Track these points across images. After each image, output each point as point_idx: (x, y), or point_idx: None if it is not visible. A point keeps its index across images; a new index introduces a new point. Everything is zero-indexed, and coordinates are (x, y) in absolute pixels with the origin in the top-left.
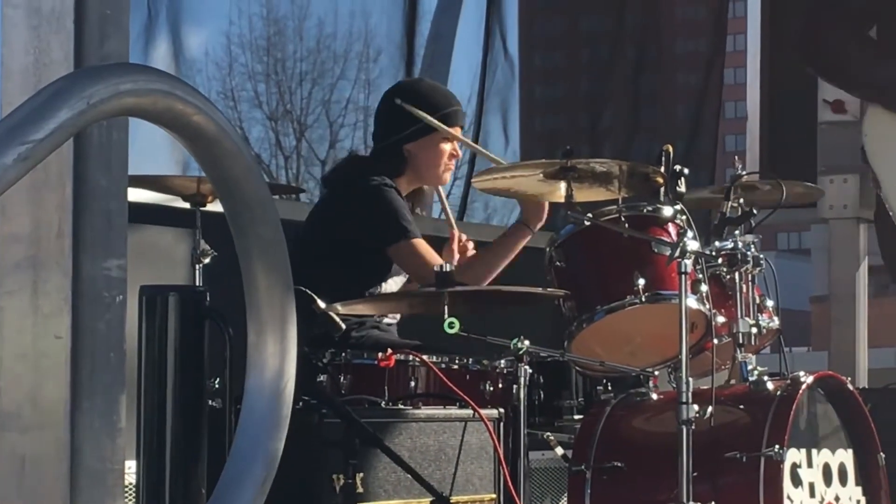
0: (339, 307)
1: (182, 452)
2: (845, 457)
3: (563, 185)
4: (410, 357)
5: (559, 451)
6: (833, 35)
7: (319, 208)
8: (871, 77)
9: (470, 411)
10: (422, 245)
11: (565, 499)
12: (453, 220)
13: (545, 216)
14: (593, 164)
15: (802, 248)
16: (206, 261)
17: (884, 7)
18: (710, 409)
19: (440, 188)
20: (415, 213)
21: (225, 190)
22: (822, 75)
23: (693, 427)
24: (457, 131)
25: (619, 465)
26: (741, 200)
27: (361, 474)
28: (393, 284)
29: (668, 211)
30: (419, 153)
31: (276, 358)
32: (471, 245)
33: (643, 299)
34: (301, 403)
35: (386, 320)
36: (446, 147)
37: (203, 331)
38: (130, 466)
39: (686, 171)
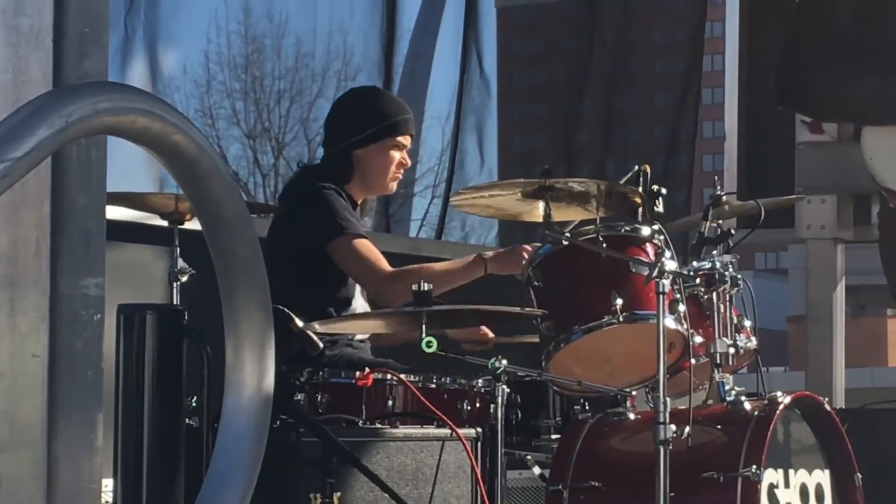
0: (317, 326)
1: (159, 471)
2: (822, 477)
3: (541, 204)
4: (388, 376)
5: (536, 470)
6: (811, 67)
7: (275, 222)
8: (852, 98)
9: (447, 430)
10: (363, 244)
11: None
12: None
13: (513, 267)
14: (571, 184)
15: (780, 268)
16: (184, 279)
17: (863, 23)
18: (687, 429)
19: None
20: (363, 224)
21: (203, 208)
22: (802, 111)
23: (670, 447)
24: (406, 139)
25: (597, 484)
26: (719, 220)
27: (339, 493)
28: (362, 299)
29: (645, 231)
30: (369, 159)
31: (254, 377)
32: (490, 335)
33: (621, 319)
34: (278, 422)
35: (358, 337)
36: (395, 155)
37: (181, 349)
38: (107, 485)
39: (664, 190)
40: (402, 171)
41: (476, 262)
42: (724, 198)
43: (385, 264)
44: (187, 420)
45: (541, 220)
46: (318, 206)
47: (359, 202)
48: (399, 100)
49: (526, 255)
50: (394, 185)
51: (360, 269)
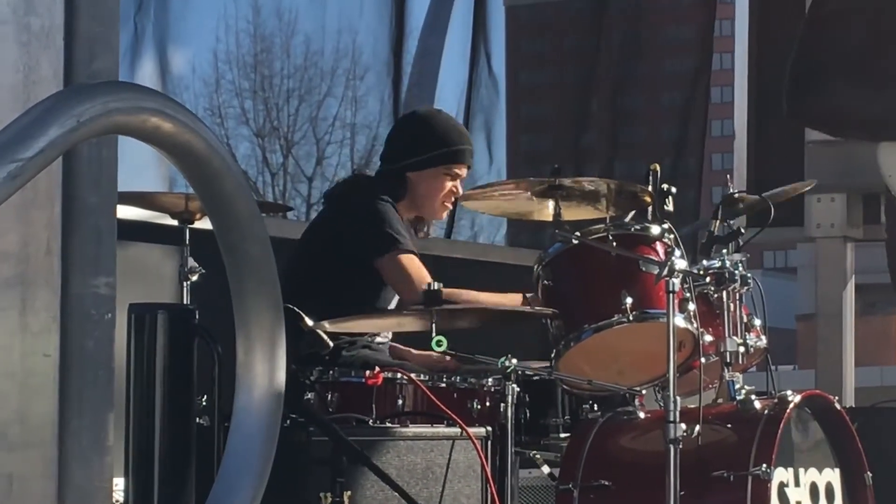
0: (327, 325)
1: (170, 470)
2: (832, 476)
3: (550, 203)
4: (398, 375)
5: (546, 469)
6: (825, 83)
7: (317, 224)
8: (870, 114)
9: (457, 429)
10: (411, 260)
11: None
12: None
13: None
14: (581, 183)
15: (788, 267)
16: (194, 278)
17: (878, 39)
18: (697, 428)
19: None
20: (418, 236)
21: (214, 207)
22: (816, 127)
23: (680, 446)
24: (461, 170)
25: (607, 483)
26: (729, 220)
27: (349, 492)
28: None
29: (655, 230)
30: (420, 183)
31: (265, 376)
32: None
33: (631, 318)
34: (288, 421)
35: (378, 339)
36: (448, 183)
37: (192, 349)
38: (118, 484)
39: (674, 189)
40: (451, 199)
41: (524, 304)
42: (737, 195)
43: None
44: (197, 419)
45: (550, 219)
46: (371, 218)
47: (403, 217)
48: (461, 128)
49: None
50: (443, 214)
51: (406, 285)
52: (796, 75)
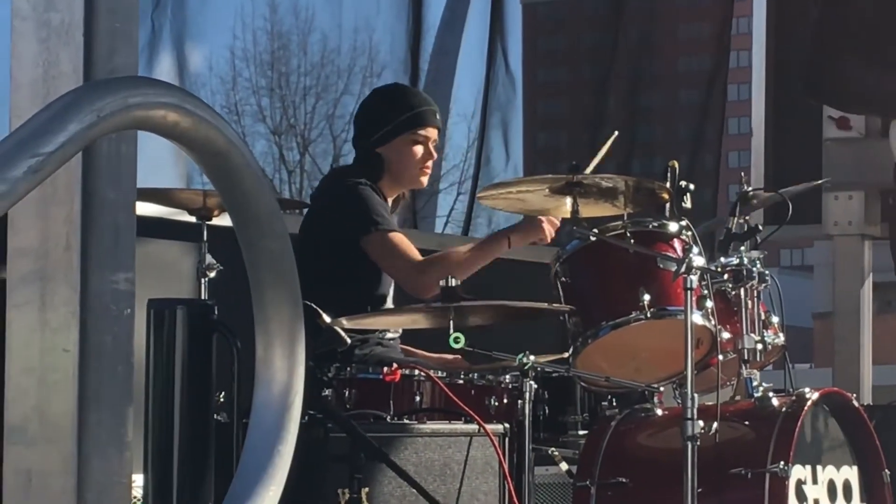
0: (345, 321)
1: (189, 466)
2: (850, 473)
3: (568, 200)
4: (416, 372)
5: (564, 466)
6: (839, 61)
7: (306, 223)
8: (882, 91)
9: (475, 426)
10: (397, 237)
11: None
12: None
13: (539, 236)
14: (599, 180)
15: (805, 265)
16: (212, 275)
17: (888, 17)
18: (715, 425)
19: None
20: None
21: (234, 203)
22: (831, 104)
23: (698, 443)
24: (428, 131)
25: (624, 480)
26: (747, 217)
27: (367, 489)
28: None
29: (673, 227)
30: (391, 155)
31: (284, 372)
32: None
33: (648, 315)
34: (306, 418)
35: (389, 335)
36: (418, 148)
37: (211, 344)
38: (137, 480)
39: (692, 186)
40: (428, 163)
41: (499, 236)
42: (752, 192)
43: (417, 255)
44: (215, 416)
45: (568, 215)
46: (352, 201)
47: (391, 199)
48: (419, 93)
49: (546, 225)
50: (424, 180)
51: (393, 263)
52: (810, 54)
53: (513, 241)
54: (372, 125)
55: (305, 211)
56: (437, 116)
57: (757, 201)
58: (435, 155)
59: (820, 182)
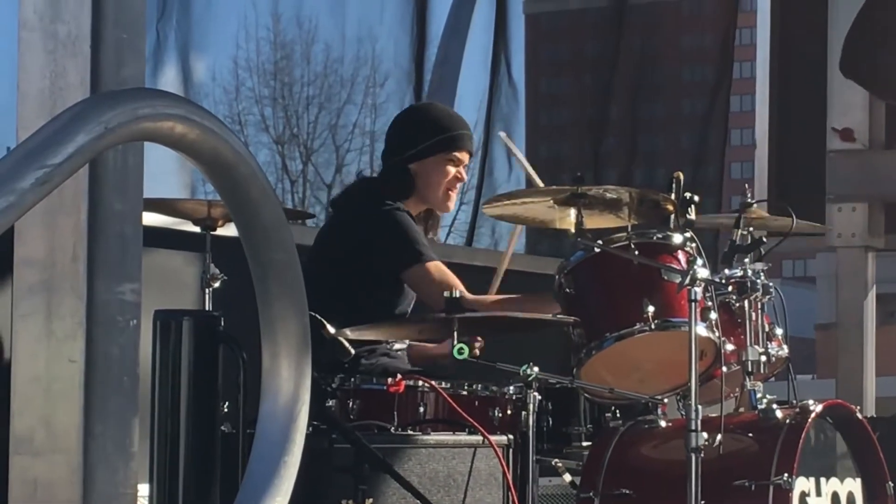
0: (349, 332)
1: (195, 477)
2: (854, 486)
3: (572, 211)
4: (420, 382)
5: (567, 477)
6: (882, 47)
7: (327, 232)
8: None
9: (479, 437)
10: (437, 268)
11: None
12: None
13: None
14: (603, 191)
15: (807, 276)
16: (216, 285)
17: None
18: (718, 436)
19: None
20: (427, 236)
21: (240, 214)
22: (867, 87)
23: (702, 455)
24: (462, 155)
25: (628, 492)
26: (751, 228)
27: (371, 500)
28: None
29: (677, 238)
30: (423, 173)
31: (291, 383)
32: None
33: (652, 326)
34: (311, 428)
35: (396, 346)
36: (450, 169)
37: (217, 355)
38: (142, 490)
39: (696, 198)
40: (457, 186)
41: (549, 299)
42: (755, 206)
43: (461, 287)
44: (221, 426)
45: (571, 227)
46: (392, 231)
47: (414, 214)
48: (456, 115)
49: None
50: (450, 204)
51: (438, 294)
52: (854, 37)
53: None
54: (409, 141)
55: (327, 217)
56: (472, 140)
57: (761, 222)
58: (464, 178)
59: (821, 228)
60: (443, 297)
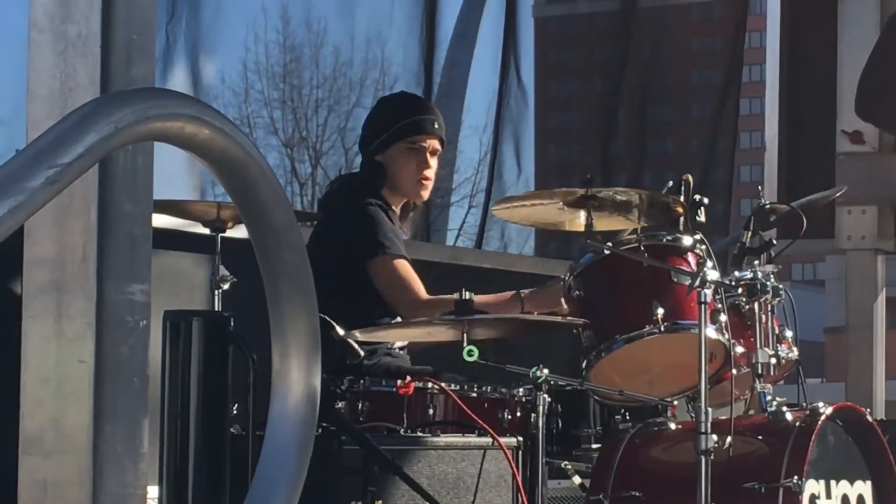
0: (358, 334)
1: (205, 478)
2: (864, 488)
3: (582, 213)
4: (429, 384)
5: (577, 480)
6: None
7: (316, 234)
8: None
9: (489, 439)
10: (401, 265)
11: None
12: None
13: (551, 303)
14: (613, 194)
15: (816, 279)
16: (226, 287)
17: None
18: (728, 439)
19: None
20: (400, 228)
21: (250, 215)
22: (884, 129)
23: (711, 457)
24: (427, 141)
25: (637, 494)
26: (761, 231)
27: (380, 502)
28: None
29: (687, 240)
30: (389, 163)
31: (301, 384)
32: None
33: (662, 329)
34: (320, 430)
35: (398, 345)
36: (413, 156)
37: (227, 356)
38: (152, 492)
39: (706, 200)
40: (426, 173)
41: (514, 299)
42: (768, 206)
43: (421, 289)
44: (230, 427)
45: (581, 229)
46: (361, 222)
47: (396, 208)
48: (422, 101)
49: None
50: (424, 193)
51: (396, 291)
52: (869, 77)
53: (527, 307)
54: (373, 132)
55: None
56: (437, 125)
57: (774, 217)
58: (431, 165)
59: (837, 192)
60: (401, 296)
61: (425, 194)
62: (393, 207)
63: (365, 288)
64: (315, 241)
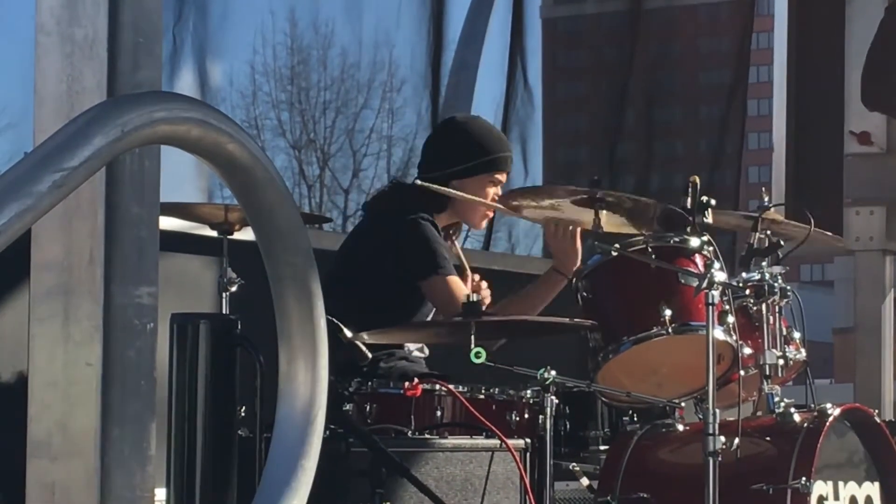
0: (366, 336)
1: (212, 481)
2: (872, 490)
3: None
4: (437, 386)
5: (585, 481)
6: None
7: (358, 235)
8: None
9: (496, 441)
10: (454, 282)
11: None
12: (467, 264)
13: (578, 259)
14: (622, 199)
15: (825, 280)
16: (233, 289)
17: None
18: (736, 440)
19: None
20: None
21: (257, 218)
22: (888, 113)
23: (719, 459)
24: (503, 177)
25: (645, 496)
26: (768, 232)
27: (388, 503)
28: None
29: (695, 242)
30: (464, 191)
31: (308, 387)
32: (484, 285)
33: (670, 330)
34: (328, 432)
35: (415, 353)
36: (490, 191)
37: (234, 359)
38: (160, 494)
39: (713, 202)
40: (492, 209)
41: (549, 274)
42: (773, 209)
43: None
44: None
45: (591, 230)
46: (415, 240)
47: (441, 227)
48: (502, 135)
49: (563, 228)
50: (483, 224)
51: (453, 309)
52: (872, 63)
53: (560, 268)
54: (454, 157)
55: (360, 218)
56: (511, 162)
57: (780, 228)
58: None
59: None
60: (457, 311)
61: (484, 224)
62: (439, 228)
63: (403, 300)
64: (354, 240)
